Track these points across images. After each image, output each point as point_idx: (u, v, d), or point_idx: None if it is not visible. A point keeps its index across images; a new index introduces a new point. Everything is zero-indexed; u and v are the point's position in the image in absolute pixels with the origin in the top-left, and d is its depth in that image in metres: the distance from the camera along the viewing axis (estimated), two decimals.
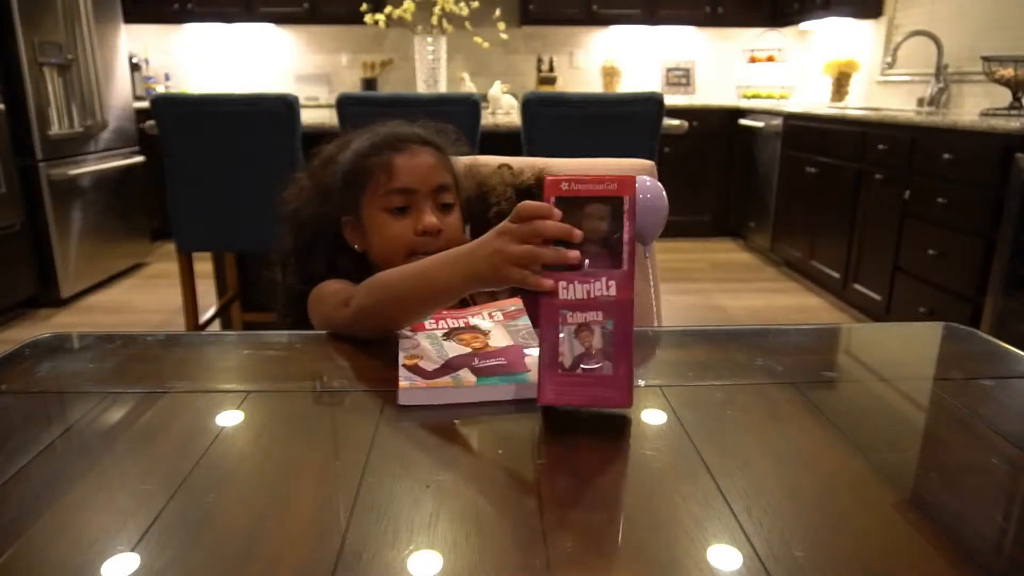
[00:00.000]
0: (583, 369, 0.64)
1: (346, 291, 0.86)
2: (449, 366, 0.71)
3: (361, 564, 0.44)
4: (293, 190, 1.06)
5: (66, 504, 0.50)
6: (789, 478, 0.54)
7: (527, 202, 0.66)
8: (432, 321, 0.81)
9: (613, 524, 0.49)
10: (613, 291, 0.64)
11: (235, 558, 0.45)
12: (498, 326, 0.81)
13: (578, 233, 0.63)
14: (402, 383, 0.67)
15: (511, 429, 0.63)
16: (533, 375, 0.69)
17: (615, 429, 0.64)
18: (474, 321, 0.82)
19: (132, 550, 0.45)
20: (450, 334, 0.79)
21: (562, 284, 0.64)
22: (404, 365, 0.70)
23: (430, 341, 0.77)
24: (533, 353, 0.74)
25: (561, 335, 0.64)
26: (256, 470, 0.56)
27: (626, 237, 0.64)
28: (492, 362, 0.72)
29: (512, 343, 0.77)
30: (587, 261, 0.64)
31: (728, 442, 0.60)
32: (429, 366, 0.70)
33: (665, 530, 0.48)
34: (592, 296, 0.64)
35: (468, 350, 0.75)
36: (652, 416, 0.65)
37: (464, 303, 1.05)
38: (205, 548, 0.46)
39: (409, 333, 0.78)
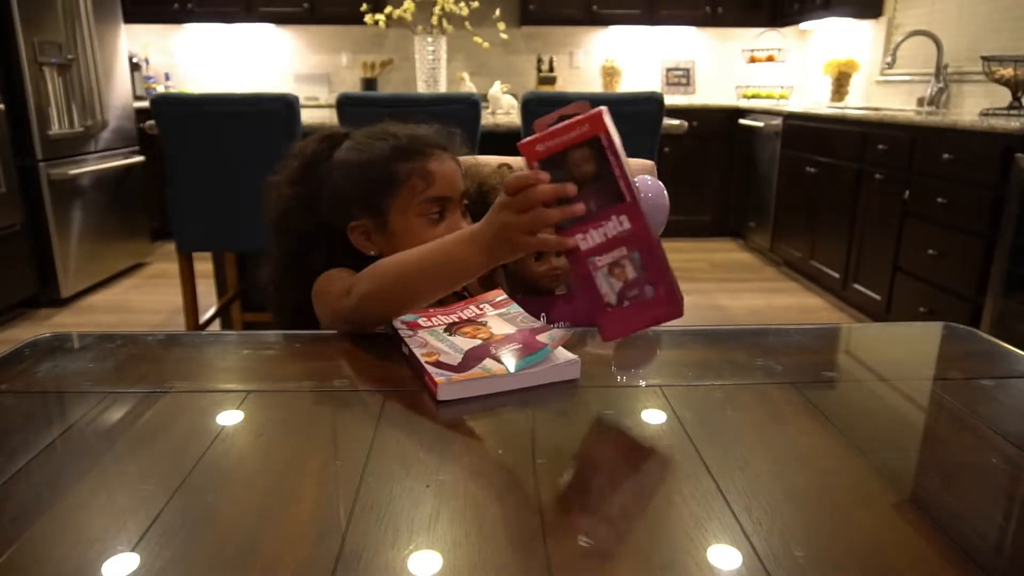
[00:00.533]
0: (629, 300, 0.68)
1: (346, 280, 0.86)
2: (472, 358, 0.71)
3: (361, 564, 0.44)
4: (277, 201, 1.01)
5: (66, 504, 0.50)
6: (789, 478, 0.54)
7: (514, 174, 0.67)
8: (426, 319, 0.81)
9: (613, 524, 0.49)
10: (627, 224, 0.66)
11: (235, 558, 0.45)
12: (492, 318, 0.82)
13: (571, 187, 0.65)
14: (438, 379, 0.66)
15: (511, 428, 0.63)
16: (553, 347, 0.72)
17: (615, 429, 0.64)
18: (467, 315, 0.83)
19: (132, 550, 0.45)
20: (451, 329, 0.79)
21: (579, 237, 0.66)
22: (427, 362, 0.70)
23: (436, 338, 0.76)
24: (541, 332, 0.76)
25: (597, 280, 0.68)
26: (256, 470, 0.56)
27: (616, 172, 0.65)
28: (509, 347, 0.72)
29: (516, 328, 0.78)
30: (593, 204, 0.66)
31: (728, 442, 0.60)
32: (452, 360, 0.70)
33: (665, 530, 0.48)
34: (610, 237, 0.66)
35: (478, 341, 0.75)
36: (652, 416, 0.65)
37: (458, 296, 1.05)
38: (205, 548, 0.46)
39: (410, 332, 0.78)
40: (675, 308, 0.68)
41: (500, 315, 0.82)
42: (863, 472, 0.55)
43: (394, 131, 1.01)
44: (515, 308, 0.84)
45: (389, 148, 0.98)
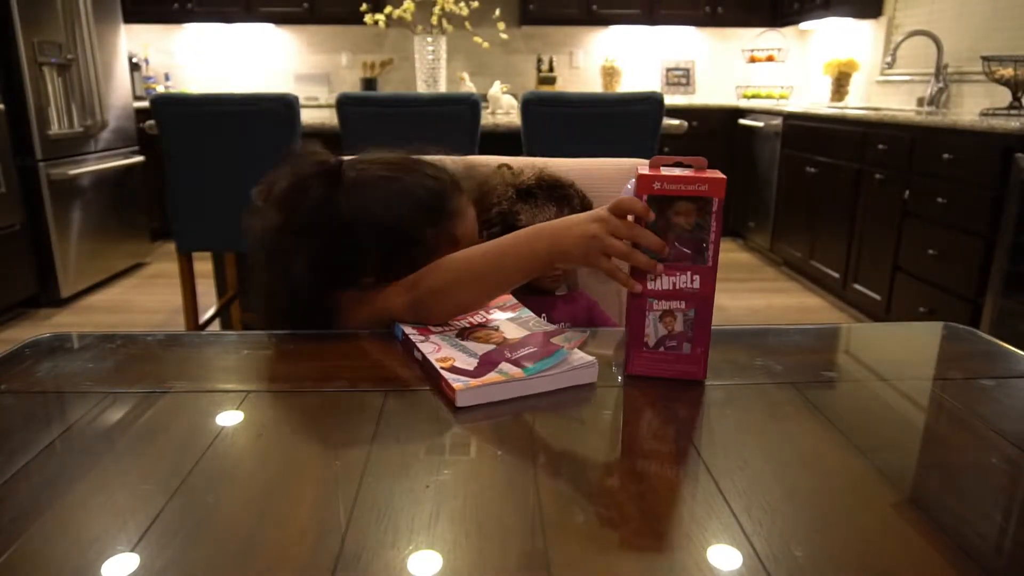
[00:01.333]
0: (665, 348, 0.72)
1: (398, 282, 0.84)
2: (487, 363, 0.70)
3: (361, 564, 0.44)
4: (286, 256, 0.87)
5: (66, 504, 0.50)
6: (789, 478, 0.54)
7: (627, 198, 0.70)
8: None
9: (613, 524, 0.49)
10: (697, 285, 0.70)
11: (235, 558, 0.45)
12: (504, 322, 0.81)
13: (667, 251, 0.69)
14: (456, 385, 0.65)
15: (511, 429, 0.63)
16: (569, 348, 0.72)
17: (614, 429, 0.64)
18: (477, 320, 0.82)
19: (132, 550, 0.45)
20: (463, 334, 0.78)
21: (649, 276, 0.70)
22: (443, 368, 0.69)
23: (448, 342, 0.75)
24: (555, 335, 0.75)
25: (647, 320, 0.71)
26: (256, 470, 0.56)
27: (713, 236, 0.68)
28: (524, 351, 0.71)
29: (528, 332, 0.77)
30: (675, 252, 0.70)
31: (728, 442, 0.60)
32: (467, 366, 0.69)
33: (665, 530, 0.48)
34: (677, 288, 0.70)
35: (492, 346, 0.74)
36: (652, 416, 0.65)
37: None
38: (205, 548, 0.46)
39: (422, 337, 0.77)
40: (701, 370, 0.72)
41: (511, 319, 0.81)
42: (863, 472, 0.55)
43: (413, 188, 0.91)
44: (526, 312, 0.83)
45: (414, 213, 0.89)
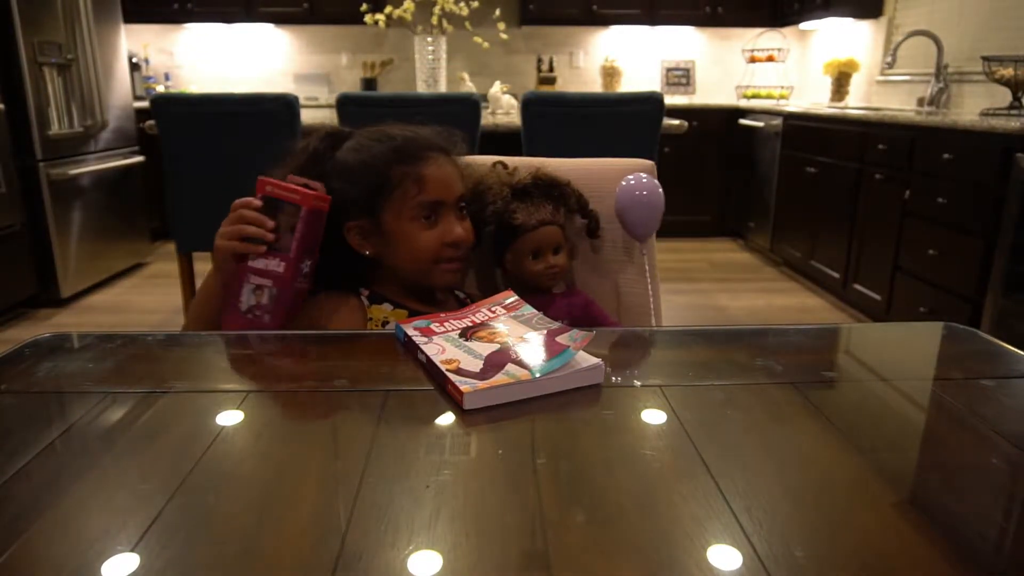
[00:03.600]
0: (250, 315, 0.90)
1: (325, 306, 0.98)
2: (493, 364, 0.69)
3: (361, 564, 0.44)
4: None
5: (66, 504, 0.50)
6: (789, 478, 0.54)
7: (239, 200, 0.89)
8: (438, 324, 0.80)
9: (613, 524, 0.49)
10: (280, 268, 0.89)
11: (235, 558, 0.45)
12: (506, 320, 0.80)
13: (269, 224, 0.88)
14: (463, 387, 0.64)
15: (511, 429, 0.63)
16: (576, 348, 0.71)
17: (615, 429, 0.64)
18: (479, 319, 0.81)
19: (132, 550, 0.45)
20: (465, 334, 0.77)
21: (252, 255, 0.89)
22: (448, 370, 0.68)
23: (452, 343, 0.75)
24: (560, 334, 0.75)
25: (243, 288, 0.90)
26: (256, 470, 0.56)
27: (297, 235, 0.88)
28: (530, 352, 0.71)
29: (531, 330, 0.77)
30: (279, 241, 0.89)
31: (728, 442, 0.60)
32: (473, 367, 0.69)
33: (665, 530, 0.48)
34: (266, 268, 0.89)
35: (496, 346, 0.73)
36: (652, 416, 0.65)
37: (461, 304, 1.05)
38: (205, 548, 0.46)
39: (425, 339, 0.76)
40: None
41: (514, 317, 0.81)
42: (863, 472, 0.55)
43: (393, 133, 1.01)
44: (528, 309, 0.82)
45: (385, 151, 0.99)
